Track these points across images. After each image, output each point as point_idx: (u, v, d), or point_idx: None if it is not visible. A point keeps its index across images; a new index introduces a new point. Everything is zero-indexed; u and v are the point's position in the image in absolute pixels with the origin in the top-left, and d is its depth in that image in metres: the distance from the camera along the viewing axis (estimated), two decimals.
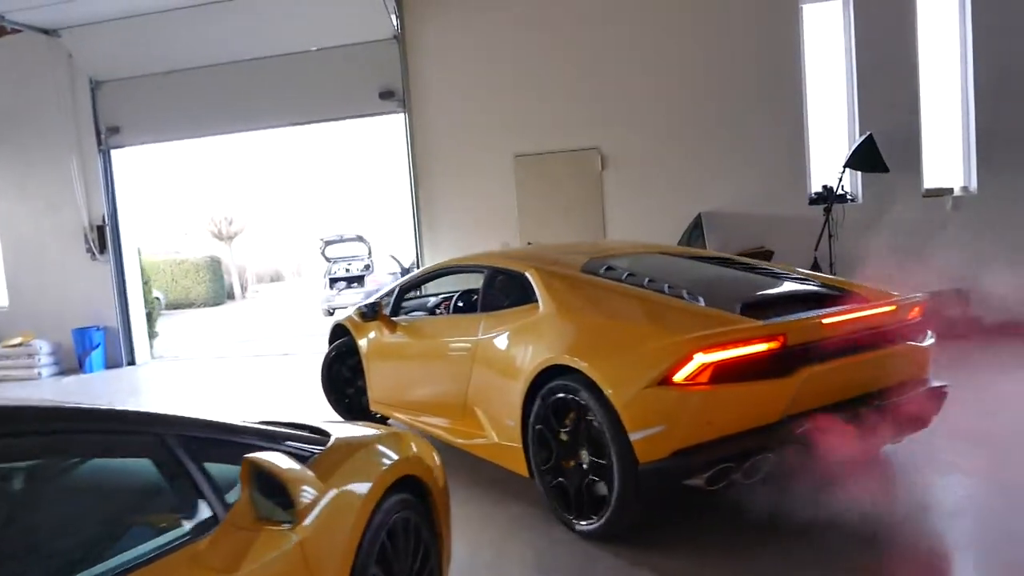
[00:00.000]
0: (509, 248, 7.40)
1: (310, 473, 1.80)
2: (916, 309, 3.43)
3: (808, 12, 8.00)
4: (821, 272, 7.01)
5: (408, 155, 8.87)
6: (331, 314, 14.65)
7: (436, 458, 2.54)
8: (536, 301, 3.63)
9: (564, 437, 3.24)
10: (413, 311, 5.13)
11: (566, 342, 3.30)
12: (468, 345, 3.95)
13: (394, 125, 9.10)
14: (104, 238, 9.80)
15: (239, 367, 9.42)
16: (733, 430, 2.89)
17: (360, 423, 2.73)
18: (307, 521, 1.76)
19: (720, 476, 2.84)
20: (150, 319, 10.76)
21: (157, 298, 17.51)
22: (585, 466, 3.15)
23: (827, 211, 7.50)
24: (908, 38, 7.67)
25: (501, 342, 3.72)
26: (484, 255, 4.49)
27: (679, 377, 2.83)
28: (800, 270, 4.20)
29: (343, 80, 8.97)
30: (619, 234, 8.24)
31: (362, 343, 4.97)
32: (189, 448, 1.72)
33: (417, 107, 8.80)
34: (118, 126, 9.77)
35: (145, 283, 10.76)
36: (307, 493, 1.70)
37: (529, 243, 8.08)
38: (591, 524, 3.11)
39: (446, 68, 8.70)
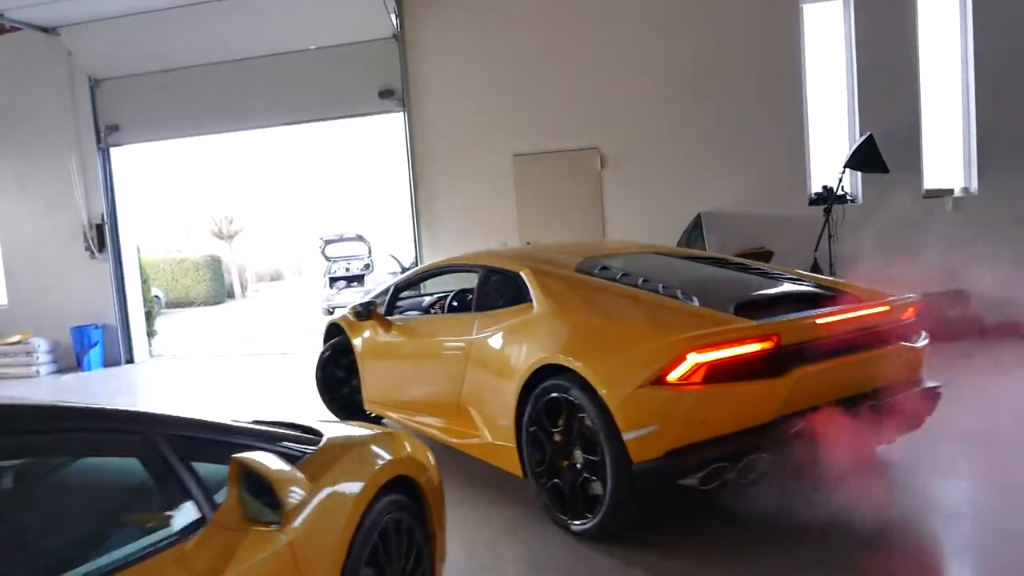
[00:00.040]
0: (508, 247, 7.39)
1: (298, 474, 1.79)
2: (910, 309, 3.44)
3: (808, 12, 7.98)
4: (821, 273, 6.99)
5: (407, 154, 8.86)
6: (331, 313, 14.64)
7: (430, 458, 2.52)
8: (530, 301, 3.63)
9: (558, 438, 3.24)
10: (408, 310, 5.13)
11: (560, 342, 3.30)
12: (462, 345, 3.94)
13: (393, 124, 9.09)
14: (103, 237, 9.80)
15: (237, 366, 9.42)
16: (727, 430, 2.89)
17: (354, 423, 2.71)
18: (297, 522, 1.75)
19: (714, 476, 2.85)
20: (149, 317, 10.75)
21: (157, 297, 17.50)
22: (579, 466, 3.15)
23: (827, 211, 7.48)
24: (909, 38, 7.64)
25: (495, 342, 3.71)
26: (479, 254, 4.49)
27: (673, 377, 2.83)
28: (794, 270, 4.20)
29: (342, 79, 8.95)
30: (619, 234, 8.23)
31: (356, 342, 4.97)
32: (177, 448, 1.70)
33: (416, 106, 8.78)
34: (117, 124, 9.77)
35: (144, 282, 10.75)
36: (295, 494, 1.69)
37: (528, 243, 8.07)
38: (585, 524, 3.11)
39: (445, 67, 8.69)
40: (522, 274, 3.76)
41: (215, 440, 1.84)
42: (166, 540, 1.57)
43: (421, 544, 2.34)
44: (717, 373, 2.83)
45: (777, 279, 3.78)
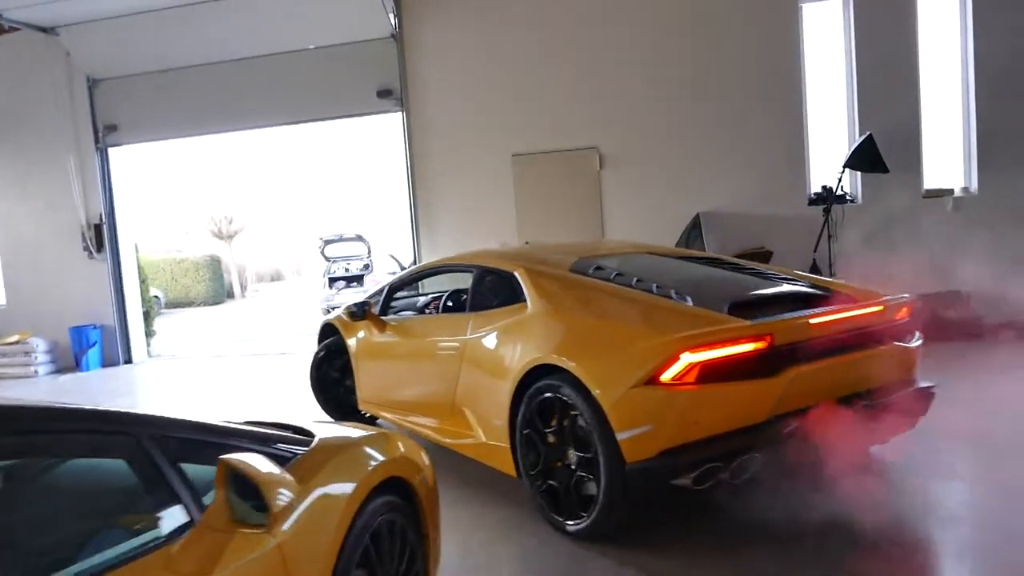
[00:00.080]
0: (507, 247, 7.37)
1: (287, 476, 1.77)
2: (903, 309, 3.44)
3: (808, 11, 7.96)
4: (820, 273, 6.98)
5: (406, 154, 8.84)
6: (330, 313, 14.61)
7: (424, 459, 2.51)
8: (524, 301, 3.63)
9: (551, 439, 3.24)
10: (402, 310, 5.11)
11: (554, 342, 3.30)
12: (456, 345, 3.94)
13: (392, 124, 9.08)
14: (101, 236, 9.79)
15: (236, 366, 9.40)
16: (720, 430, 2.89)
17: (349, 424, 2.69)
18: (286, 523, 1.73)
19: (707, 476, 2.85)
20: (147, 318, 10.74)
21: (156, 297, 17.48)
22: (573, 466, 3.15)
23: (827, 211, 7.46)
24: (908, 38, 7.62)
25: (489, 341, 3.71)
26: (473, 254, 4.48)
27: (666, 377, 2.83)
28: (788, 270, 4.20)
29: (341, 79, 8.94)
30: (618, 234, 8.21)
31: (351, 342, 4.96)
32: (165, 449, 1.69)
33: (415, 106, 8.77)
34: (115, 124, 9.76)
35: (142, 281, 10.74)
36: (282, 496, 1.67)
37: (527, 243, 8.05)
38: (579, 524, 3.11)
39: (444, 67, 8.68)
40: (516, 274, 3.75)
41: (204, 441, 1.82)
42: (153, 542, 1.56)
43: (414, 545, 2.32)
44: (711, 373, 2.83)
45: (771, 279, 3.78)
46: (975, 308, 7.04)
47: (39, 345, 9.67)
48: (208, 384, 8.39)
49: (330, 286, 16.43)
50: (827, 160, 7.95)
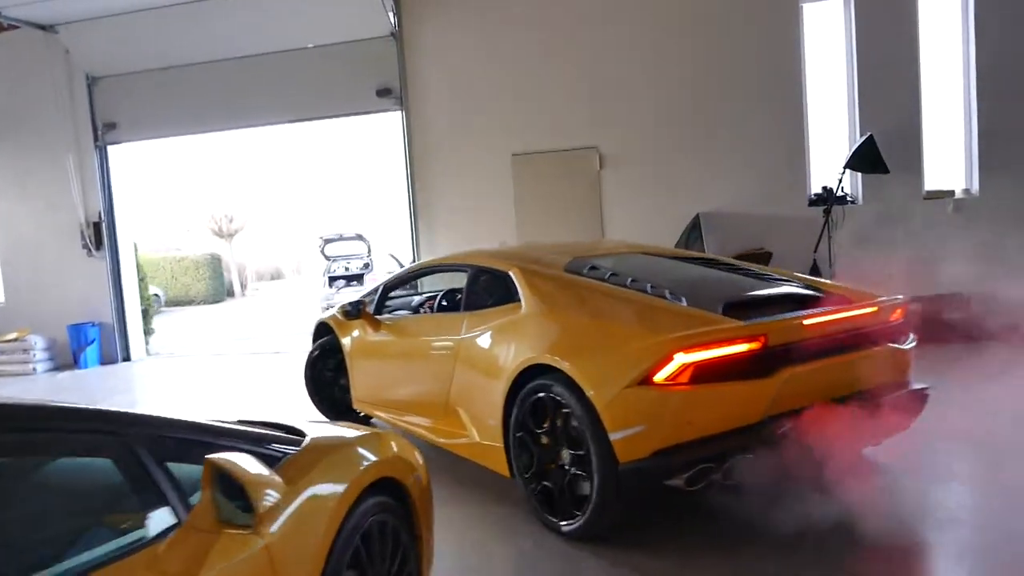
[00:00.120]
0: (507, 247, 7.36)
1: (274, 476, 1.75)
2: (898, 311, 3.44)
3: (808, 11, 7.94)
4: (820, 274, 6.95)
5: (405, 153, 8.83)
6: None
7: (418, 459, 2.49)
8: (519, 300, 3.62)
9: (545, 440, 3.23)
10: (397, 310, 5.10)
11: (548, 342, 3.30)
12: (451, 344, 3.93)
13: (392, 123, 9.06)
14: (100, 234, 9.78)
15: (234, 364, 9.39)
16: (714, 430, 2.89)
17: (342, 423, 2.67)
18: (275, 524, 1.72)
19: (700, 477, 2.85)
20: (146, 316, 10.73)
21: (156, 295, 17.47)
22: (566, 466, 3.14)
23: (827, 212, 7.44)
24: (909, 38, 7.59)
25: (483, 341, 3.70)
26: (468, 254, 4.47)
27: (659, 377, 2.82)
28: (783, 271, 4.20)
29: (340, 77, 8.93)
30: (617, 234, 8.19)
31: (345, 341, 4.95)
32: (152, 448, 1.67)
33: (415, 105, 8.75)
34: (115, 122, 9.75)
35: (141, 280, 10.74)
36: (269, 496, 1.65)
37: (526, 243, 8.04)
38: (573, 524, 3.10)
39: (444, 66, 8.66)
40: (511, 273, 3.75)
41: (192, 440, 1.80)
42: (139, 542, 1.54)
43: (407, 546, 2.31)
44: (704, 373, 2.82)
45: (766, 280, 3.78)
46: (975, 311, 7.01)
47: (37, 342, 9.67)
48: (205, 382, 8.38)
49: (330, 285, 16.43)
50: (827, 161, 7.93)
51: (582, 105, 8.27)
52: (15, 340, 9.68)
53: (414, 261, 9.13)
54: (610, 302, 3.35)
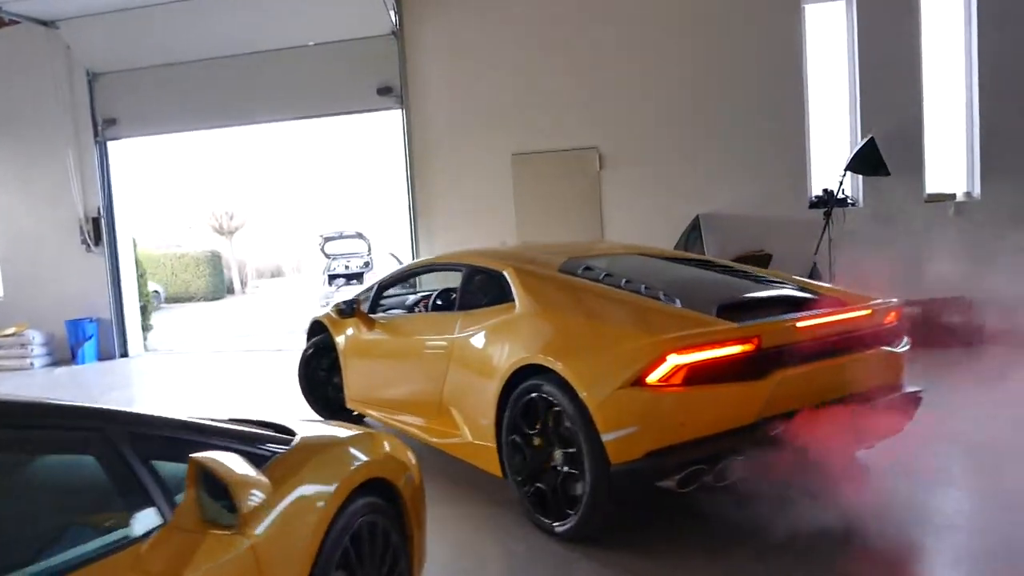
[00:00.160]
0: (506, 247, 7.33)
1: (260, 476, 1.72)
2: (891, 314, 3.43)
3: (810, 12, 7.90)
4: (820, 277, 6.93)
5: (405, 152, 8.81)
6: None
7: (411, 459, 2.47)
8: (513, 300, 3.61)
9: (537, 441, 3.22)
10: (391, 308, 5.08)
11: (541, 342, 3.29)
12: (444, 343, 3.92)
13: (392, 121, 9.04)
14: (99, 230, 9.77)
15: (231, 362, 9.38)
16: (707, 432, 2.87)
17: (336, 423, 2.65)
18: (261, 524, 1.69)
19: (692, 478, 2.84)
20: (144, 312, 10.72)
21: (156, 291, 17.45)
22: (559, 467, 3.13)
23: (827, 215, 7.40)
24: (912, 39, 7.56)
25: (477, 341, 3.69)
26: (463, 253, 4.45)
27: (652, 378, 2.81)
28: (778, 273, 4.19)
29: (341, 75, 8.91)
30: (617, 235, 8.16)
31: (339, 340, 4.93)
32: (137, 446, 1.65)
33: (415, 104, 8.73)
34: (115, 118, 9.74)
35: (140, 276, 10.73)
36: (254, 497, 1.62)
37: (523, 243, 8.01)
38: (565, 524, 3.09)
39: (444, 65, 8.64)
40: (505, 273, 3.73)
41: (178, 439, 1.78)
42: (122, 541, 1.52)
43: (398, 547, 2.28)
44: (698, 375, 2.81)
45: (761, 282, 3.77)
46: (977, 314, 6.98)
47: (35, 337, 9.66)
48: (202, 379, 8.37)
49: (330, 283, 16.43)
50: (828, 163, 7.90)
51: (582, 105, 8.25)
52: (13, 335, 9.67)
53: (414, 260, 9.12)
54: (604, 303, 3.34)
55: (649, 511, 3.38)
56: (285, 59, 9.05)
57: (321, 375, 5.27)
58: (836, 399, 3.10)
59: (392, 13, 8.51)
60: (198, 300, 22.27)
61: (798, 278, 4.08)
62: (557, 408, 3.06)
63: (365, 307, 4.75)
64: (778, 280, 3.86)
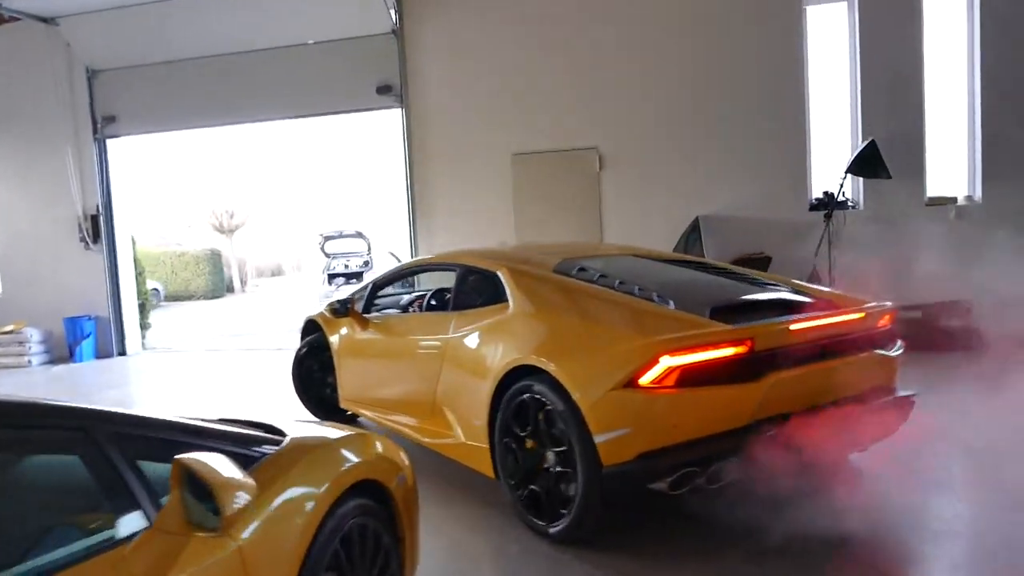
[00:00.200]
0: (506, 246, 7.32)
1: (244, 478, 1.69)
2: (885, 317, 3.42)
3: (812, 13, 7.88)
4: (820, 280, 6.90)
5: (405, 151, 8.79)
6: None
7: (404, 460, 2.45)
8: (507, 301, 3.59)
9: (530, 442, 3.20)
10: (386, 308, 5.06)
11: (534, 343, 3.27)
12: (438, 344, 3.91)
13: (392, 120, 9.03)
14: (98, 228, 9.75)
15: (229, 360, 9.36)
16: (699, 434, 2.86)
17: (329, 424, 2.63)
18: (248, 526, 1.67)
19: (684, 480, 2.82)
20: (143, 310, 10.71)
21: (155, 290, 17.43)
22: (551, 468, 3.11)
23: (827, 217, 7.38)
24: (914, 42, 7.53)
25: (471, 341, 3.68)
26: (457, 253, 4.44)
27: (645, 380, 2.80)
28: (773, 275, 4.18)
29: (341, 74, 8.91)
30: (616, 236, 8.14)
31: (333, 339, 4.91)
32: (122, 446, 1.63)
33: (415, 103, 8.72)
34: (114, 115, 9.73)
35: (139, 274, 10.71)
36: (239, 499, 1.60)
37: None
38: (558, 525, 3.08)
39: (444, 64, 8.62)
40: (499, 274, 3.72)
41: (166, 439, 1.76)
42: (106, 542, 1.50)
43: (389, 549, 2.26)
44: (690, 377, 2.80)
45: (755, 284, 3.76)
46: (977, 318, 6.95)
47: (33, 335, 9.65)
48: (198, 378, 8.35)
49: (329, 282, 16.41)
50: (829, 165, 7.87)
51: (582, 105, 8.23)
52: (11, 332, 9.66)
53: (411, 259, 9.10)
54: (598, 304, 3.33)
55: (642, 513, 3.37)
56: (285, 57, 9.04)
57: (316, 374, 5.25)
58: (829, 402, 3.09)
59: (392, 12, 8.50)
60: (198, 298, 22.27)
61: (793, 280, 4.07)
62: (550, 409, 3.04)
63: (359, 306, 4.73)
64: (772, 283, 3.85)
